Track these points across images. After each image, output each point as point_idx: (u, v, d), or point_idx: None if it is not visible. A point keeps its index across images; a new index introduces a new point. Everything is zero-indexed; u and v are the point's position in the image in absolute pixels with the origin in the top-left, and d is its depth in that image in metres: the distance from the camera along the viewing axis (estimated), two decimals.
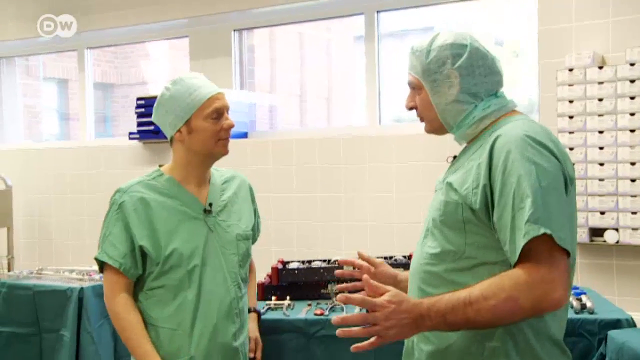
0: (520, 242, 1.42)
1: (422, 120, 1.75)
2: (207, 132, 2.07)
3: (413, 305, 1.45)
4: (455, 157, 1.75)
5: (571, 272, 1.54)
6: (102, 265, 2.08)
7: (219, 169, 2.28)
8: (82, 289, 3.20)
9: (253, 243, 2.32)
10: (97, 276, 3.42)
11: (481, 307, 1.42)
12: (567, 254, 1.43)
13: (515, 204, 1.44)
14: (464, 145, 1.74)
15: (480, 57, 1.65)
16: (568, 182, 1.52)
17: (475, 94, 1.65)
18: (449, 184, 1.61)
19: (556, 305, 1.42)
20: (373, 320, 1.44)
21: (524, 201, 1.43)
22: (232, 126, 2.12)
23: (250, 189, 2.33)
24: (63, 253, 4.74)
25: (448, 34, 1.68)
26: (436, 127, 1.73)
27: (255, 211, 2.34)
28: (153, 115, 2.16)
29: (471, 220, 1.55)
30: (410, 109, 1.76)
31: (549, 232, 1.40)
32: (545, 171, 1.46)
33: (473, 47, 1.65)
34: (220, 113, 2.09)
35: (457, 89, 1.64)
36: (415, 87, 1.72)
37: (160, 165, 2.22)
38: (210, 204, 2.14)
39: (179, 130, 2.09)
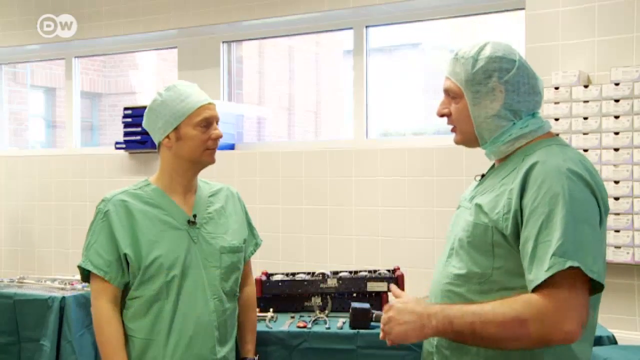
0: (542, 275, 1.39)
1: (453, 130, 1.70)
2: (195, 140, 2.08)
3: (422, 306, 1.51)
4: (483, 175, 1.72)
5: (593, 310, 1.53)
6: (85, 273, 2.07)
7: (209, 182, 2.28)
8: (63, 298, 3.18)
9: (249, 256, 2.31)
10: (79, 285, 3.40)
11: (489, 321, 1.41)
12: (590, 290, 1.41)
13: (539, 236, 1.42)
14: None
15: (526, 75, 1.61)
16: (603, 214, 1.50)
17: (516, 112, 1.61)
18: (479, 206, 1.58)
19: (564, 338, 1.39)
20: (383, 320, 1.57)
21: (551, 234, 1.40)
22: (220, 136, 2.13)
23: (241, 202, 2.32)
24: (46, 262, 4.70)
25: (497, 45, 1.63)
26: (468, 140, 1.68)
27: (250, 224, 2.34)
28: (144, 120, 2.16)
29: (501, 245, 1.52)
30: (442, 116, 1.69)
31: (575, 264, 1.37)
32: (580, 204, 1.44)
33: (521, 64, 1.61)
34: (209, 123, 2.10)
35: (500, 103, 1.59)
36: (452, 95, 1.65)
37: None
38: (195, 215, 2.13)
39: (167, 137, 2.09)
